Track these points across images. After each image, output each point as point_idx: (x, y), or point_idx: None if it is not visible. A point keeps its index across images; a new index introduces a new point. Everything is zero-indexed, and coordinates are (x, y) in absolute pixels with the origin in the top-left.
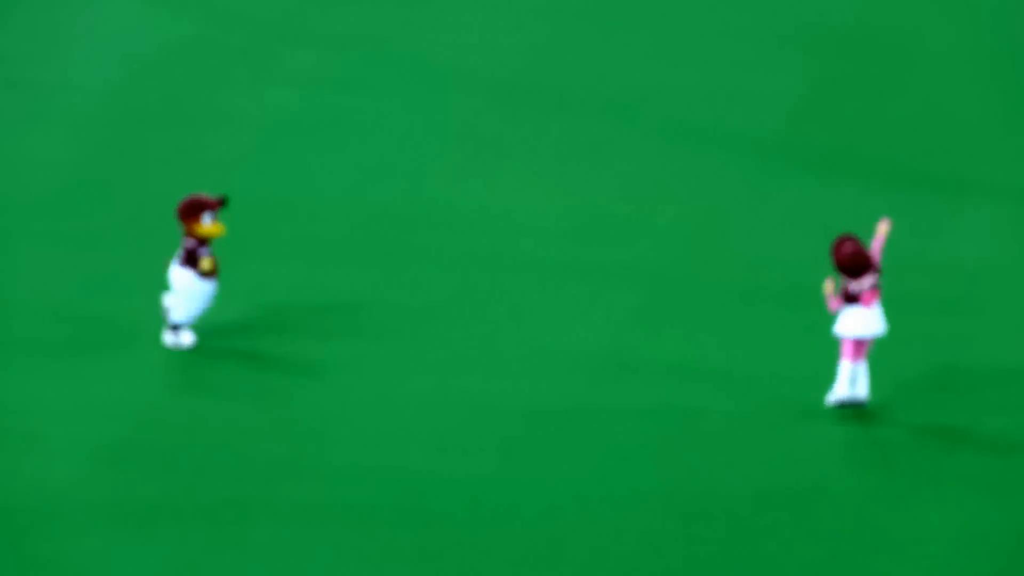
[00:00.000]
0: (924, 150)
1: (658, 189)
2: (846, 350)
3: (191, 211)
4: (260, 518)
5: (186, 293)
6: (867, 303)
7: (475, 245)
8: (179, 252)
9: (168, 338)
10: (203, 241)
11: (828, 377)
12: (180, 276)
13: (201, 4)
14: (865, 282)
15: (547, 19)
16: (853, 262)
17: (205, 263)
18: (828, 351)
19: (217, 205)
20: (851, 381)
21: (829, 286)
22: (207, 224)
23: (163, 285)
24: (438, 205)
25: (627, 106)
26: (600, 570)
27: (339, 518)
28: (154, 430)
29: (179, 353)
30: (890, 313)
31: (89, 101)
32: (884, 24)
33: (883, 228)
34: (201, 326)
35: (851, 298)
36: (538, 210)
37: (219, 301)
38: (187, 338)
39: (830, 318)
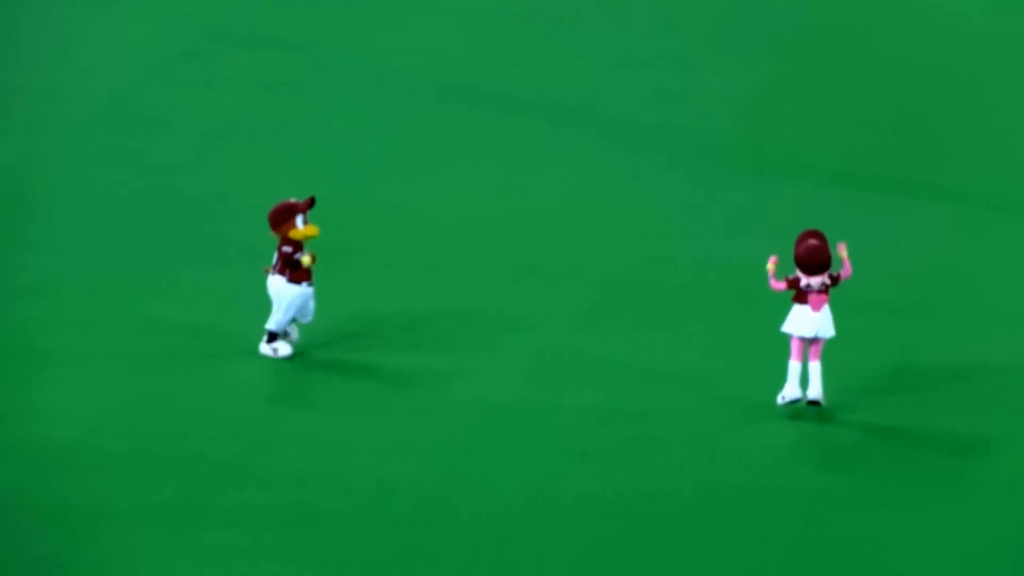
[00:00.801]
0: (872, 152)
1: (605, 191)
2: (793, 350)
3: (283, 216)
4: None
5: (281, 300)
6: (815, 307)
7: (421, 247)
8: (275, 260)
9: (264, 348)
10: (299, 245)
11: (777, 377)
12: (275, 283)
13: (146, 6)
14: (815, 280)
15: (494, 21)
16: (810, 257)
17: (306, 259)
18: (777, 352)
19: (307, 207)
20: (802, 382)
21: (772, 266)
22: (301, 227)
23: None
24: (385, 207)
25: (574, 108)
26: (549, 572)
27: (288, 520)
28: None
29: (273, 363)
30: (840, 314)
31: (37, 104)
32: (832, 25)
33: (843, 251)
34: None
35: (799, 293)
36: (484, 212)
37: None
38: (284, 349)
39: (778, 319)
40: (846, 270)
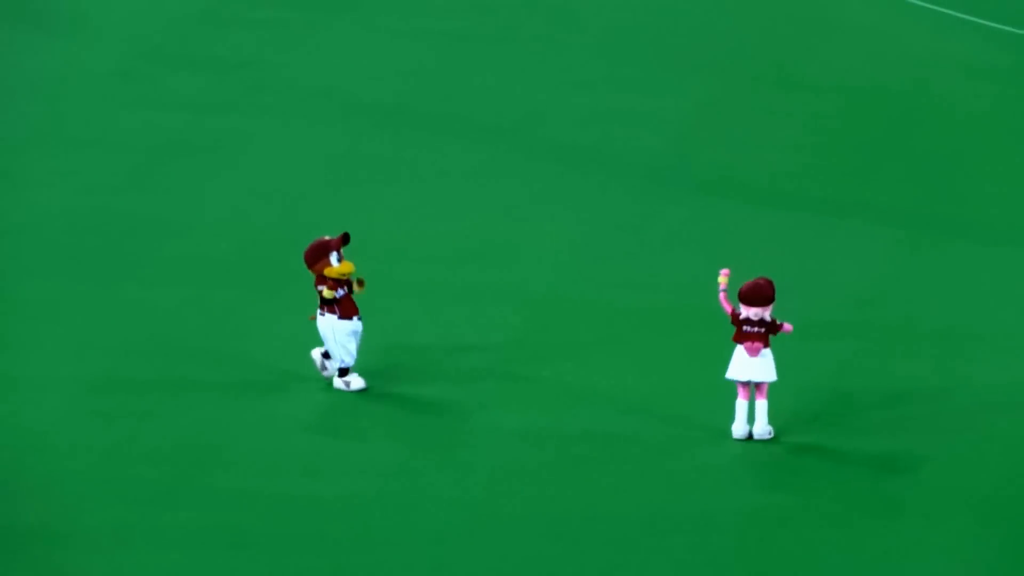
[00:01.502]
0: (806, 172)
1: (542, 211)
2: (739, 389)
3: (318, 254)
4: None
5: (337, 336)
6: (751, 352)
7: (360, 267)
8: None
9: (337, 382)
10: (337, 282)
11: (711, 397)
12: (325, 323)
13: (82, 25)
14: (752, 313)
15: (430, 42)
16: (751, 290)
17: (327, 292)
18: (712, 372)
19: (340, 243)
20: (748, 418)
21: (723, 279)
22: (336, 264)
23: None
24: (320, 228)
25: (510, 128)
26: None
27: (222, 541)
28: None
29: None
30: (774, 337)
31: None
32: (766, 46)
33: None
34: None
35: (738, 330)
36: (420, 233)
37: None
38: (356, 382)
39: (714, 340)
40: (787, 326)
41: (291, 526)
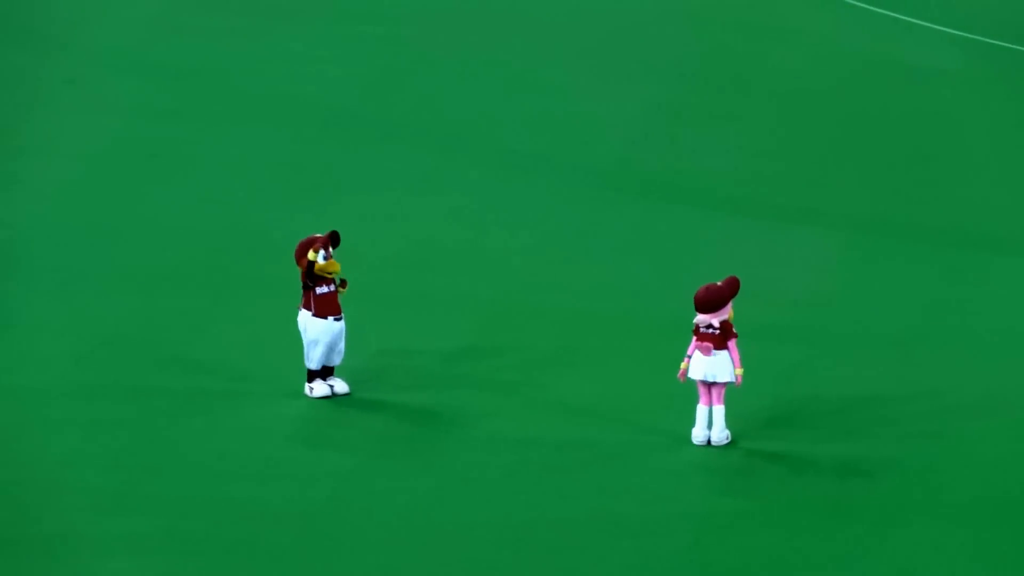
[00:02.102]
0: (757, 178)
1: (492, 217)
2: (699, 394)
3: (302, 250)
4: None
5: (306, 335)
6: (704, 352)
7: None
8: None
9: (306, 389)
10: (323, 279)
11: (666, 403)
12: (300, 319)
13: (26, 32)
14: (702, 319)
15: (379, 50)
16: (702, 295)
17: (332, 265)
18: (667, 377)
19: (327, 241)
20: (707, 423)
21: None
22: (322, 261)
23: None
24: (270, 235)
25: (460, 135)
26: None
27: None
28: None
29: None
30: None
31: None
32: (717, 52)
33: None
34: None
35: (697, 334)
36: (371, 239)
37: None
38: (320, 389)
39: (667, 345)
40: (731, 342)
41: (241, 532)
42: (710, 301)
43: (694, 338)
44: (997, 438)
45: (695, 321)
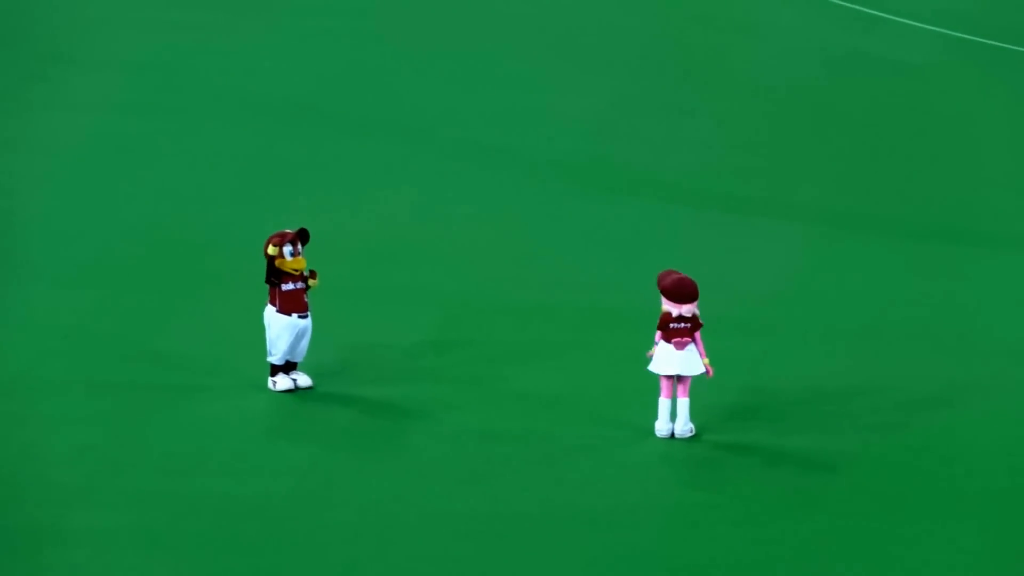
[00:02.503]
0: (719, 170)
1: (456, 211)
2: (662, 387)
3: (267, 242)
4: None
5: (269, 331)
6: (678, 347)
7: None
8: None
9: (270, 383)
10: (290, 276)
11: (631, 396)
12: (266, 313)
13: None
14: (685, 309)
15: (340, 43)
16: (679, 286)
17: (298, 262)
18: (631, 370)
19: (295, 236)
20: (671, 416)
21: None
22: (288, 258)
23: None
24: (232, 230)
25: (422, 128)
26: None
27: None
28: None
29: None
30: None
31: None
32: (679, 46)
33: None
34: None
35: (669, 329)
36: (333, 233)
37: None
38: (282, 383)
39: (632, 338)
40: (701, 346)
41: (206, 526)
42: (687, 291)
43: (660, 332)
44: (959, 430)
45: (678, 313)
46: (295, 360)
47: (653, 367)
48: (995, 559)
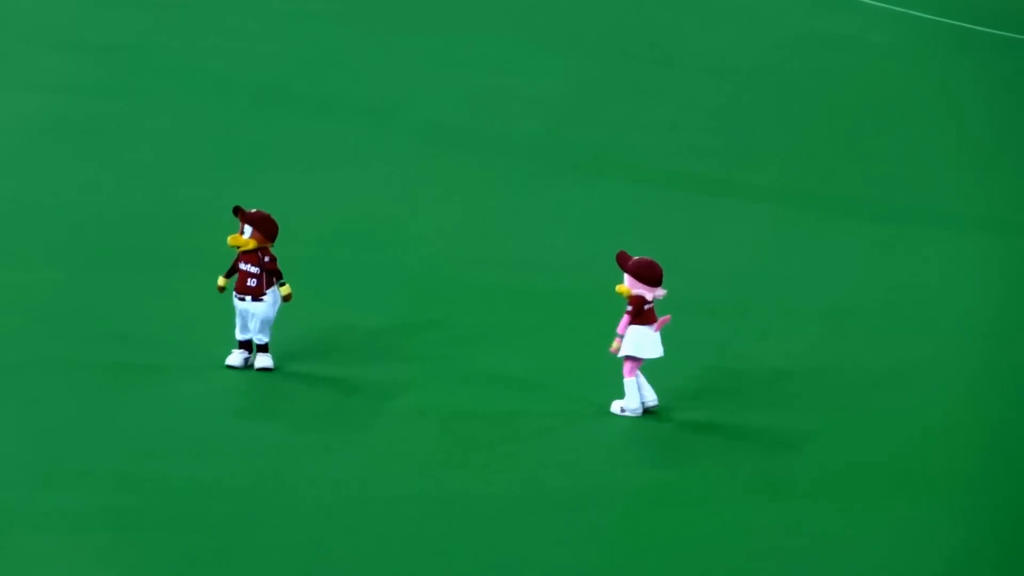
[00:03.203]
0: (684, 151)
1: (422, 192)
2: (628, 368)
3: (273, 226)
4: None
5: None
6: (656, 327)
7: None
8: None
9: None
10: (241, 256)
11: (596, 376)
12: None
13: None
14: (659, 292)
15: (306, 24)
16: (650, 268)
17: (233, 239)
18: (596, 350)
19: (235, 214)
20: (640, 389)
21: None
22: (244, 236)
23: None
24: (198, 211)
25: (386, 110)
26: (364, 572)
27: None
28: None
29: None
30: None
31: None
32: (642, 26)
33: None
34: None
35: (643, 312)
36: (299, 214)
37: None
38: (232, 358)
39: (595, 319)
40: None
41: (173, 508)
42: (658, 273)
43: (628, 318)
44: (923, 410)
45: (653, 296)
46: (248, 339)
47: (641, 353)
48: (962, 538)
